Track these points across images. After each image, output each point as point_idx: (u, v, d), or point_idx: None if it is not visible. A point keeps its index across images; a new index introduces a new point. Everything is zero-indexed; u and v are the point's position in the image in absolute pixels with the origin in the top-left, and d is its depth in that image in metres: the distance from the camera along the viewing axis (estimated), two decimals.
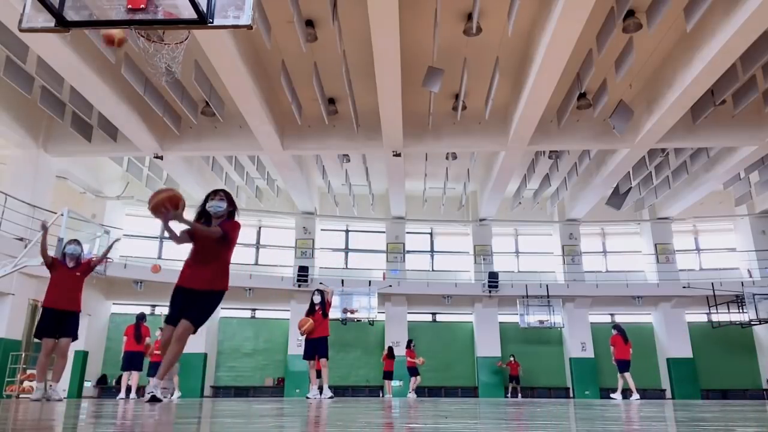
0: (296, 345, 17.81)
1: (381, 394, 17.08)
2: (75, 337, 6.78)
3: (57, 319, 6.56)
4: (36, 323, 6.72)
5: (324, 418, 2.75)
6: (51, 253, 7.74)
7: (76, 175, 15.77)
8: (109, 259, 14.07)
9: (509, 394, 17.37)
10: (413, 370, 15.58)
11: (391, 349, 16.31)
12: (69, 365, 15.43)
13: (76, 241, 7.04)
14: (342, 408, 3.94)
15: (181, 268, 4.58)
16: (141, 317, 11.46)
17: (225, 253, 4.50)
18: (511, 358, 17.69)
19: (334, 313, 17.29)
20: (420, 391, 17.96)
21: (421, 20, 10.11)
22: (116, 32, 6.49)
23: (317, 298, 9.28)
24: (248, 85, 10.67)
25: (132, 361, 11.12)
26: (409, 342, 16.12)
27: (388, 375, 15.88)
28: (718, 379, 18.07)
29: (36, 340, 6.93)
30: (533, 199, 18.34)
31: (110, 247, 7.34)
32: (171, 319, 4.44)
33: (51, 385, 6.68)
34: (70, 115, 12.77)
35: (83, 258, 7.02)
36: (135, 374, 11.30)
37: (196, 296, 4.40)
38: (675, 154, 15.43)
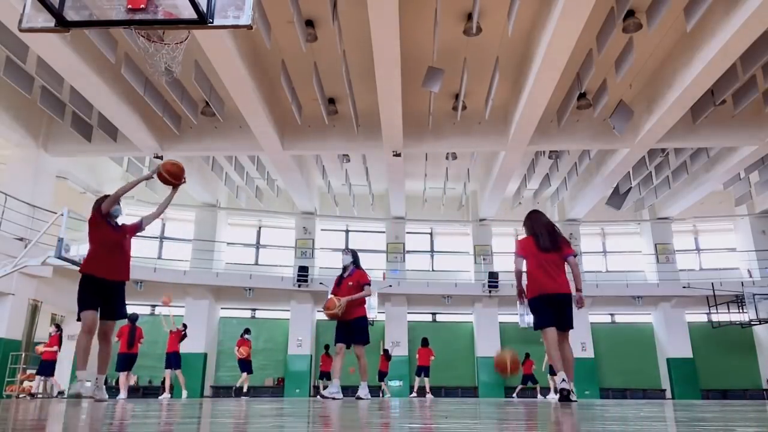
0: (296, 345, 17.83)
1: (381, 395, 17.06)
2: (125, 316, 5.61)
3: (105, 292, 5.17)
4: (79, 294, 5.09)
5: (324, 418, 2.75)
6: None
7: (76, 175, 15.77)
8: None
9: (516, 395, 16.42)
10: (426, 370, 15.43)
11: (387, 351, 16.33)
12: (69, 365, 15.46)
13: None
14: (342, 408, 3.94)
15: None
16: (134, 318, 11.10)
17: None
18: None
19: None
20: (420, 391, 17.96)
21: (421, 20, 10.11)
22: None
23: (347, 259, 7.18)
24: (248, 85, 10.67)
25: (126, 363, 11.01)
26: (426, 340, 15.90)
27: (382, 376, 15.88)
28: (718, 379, 18.07)
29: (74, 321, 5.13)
30: (533, 199, 18.33)
31: (172, 195, 5.64)
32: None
33: (97, 379, 5.33)
34: (70, 115, 12.78)
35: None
36: (131, 375, 11.37)
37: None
38: (675, 154, 15.44)
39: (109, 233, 5.39)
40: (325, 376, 15.01)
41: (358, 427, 2.00)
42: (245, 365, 13.61)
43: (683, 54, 10.58)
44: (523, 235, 5.62)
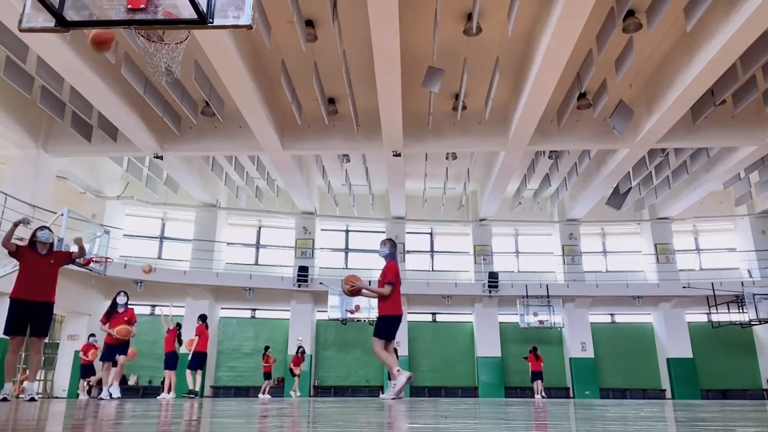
0: (296, 345, 17.85)
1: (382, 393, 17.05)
2: (47, 335, 6.26)
3: (29, 313, 5.95)
4: (6, 318, 5.90)
5: (323, 418, 2.75)
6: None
7: (76, 175, 15.77)
8: (109, 259, 14.12)
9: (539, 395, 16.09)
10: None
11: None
12: (69, 365, 15.47)
13: (49, 228, 6.58)
14: (342, 408, 3.94)
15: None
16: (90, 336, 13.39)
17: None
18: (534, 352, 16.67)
19: (334, 313, 17.35)
20: (420, 391, 17.97)
21: (421, 20, 10.11)
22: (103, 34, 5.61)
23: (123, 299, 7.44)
24: (248, 85, 10.67)
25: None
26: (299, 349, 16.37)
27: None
28: (718, 379, 18.07)
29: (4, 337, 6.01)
30: (533, 199, 18.34)
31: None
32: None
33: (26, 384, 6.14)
34: (70, 115, 12.78)
35: (61, 248, 6.57)
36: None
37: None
38: (675, 154, 15.43)
39: (34, 260, 6.20)
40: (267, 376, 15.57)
41: (357, 427, 2.00)
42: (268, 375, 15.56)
43: (683, 54, 10.58)
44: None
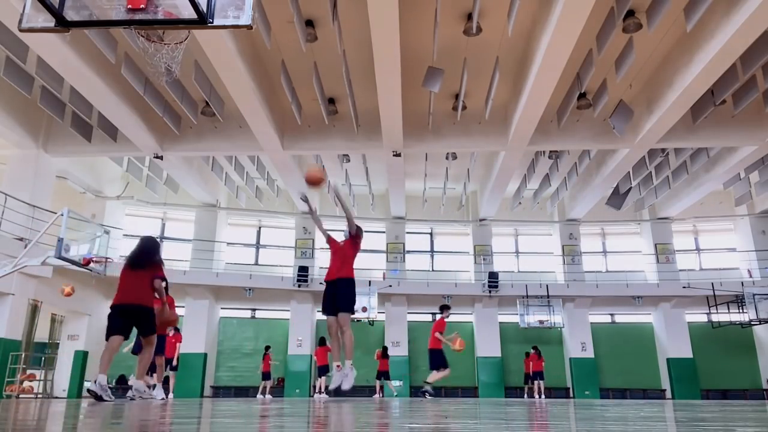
0: (296, 345, 17.84)
1: (382, 395, 17.06)
2: (154, 331, 6.36)
3: (128, 316, 6.06)
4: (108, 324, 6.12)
5: (323, 418, 2.75)
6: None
7: (76, 175, 15.77)
8: (109, 259, 14.12)
9: (531, 395, 16.38)
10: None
11: (385, 348, 16.30)
12: (69, 365, 15.46)
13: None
14: (341, 408, 3.94)
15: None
16: None
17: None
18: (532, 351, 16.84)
19: None
20: (420, 391, 17.95)
21: (421, 20, 10.11)
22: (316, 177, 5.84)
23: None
24: (248, 85, 10.67)
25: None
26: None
27: (384, 375, 15.83)
28: (718, 379, 18.07)
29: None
30: (533, 199, 18.33)
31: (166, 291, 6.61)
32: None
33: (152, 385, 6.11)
34: (70, 115, 12.77)
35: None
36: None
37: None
38: (675, 154, 15.43)
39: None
40: (323, 371, 14.80)
41: (357, 427, 2.00)
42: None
43: (683, 54, 10.57)
44: None
